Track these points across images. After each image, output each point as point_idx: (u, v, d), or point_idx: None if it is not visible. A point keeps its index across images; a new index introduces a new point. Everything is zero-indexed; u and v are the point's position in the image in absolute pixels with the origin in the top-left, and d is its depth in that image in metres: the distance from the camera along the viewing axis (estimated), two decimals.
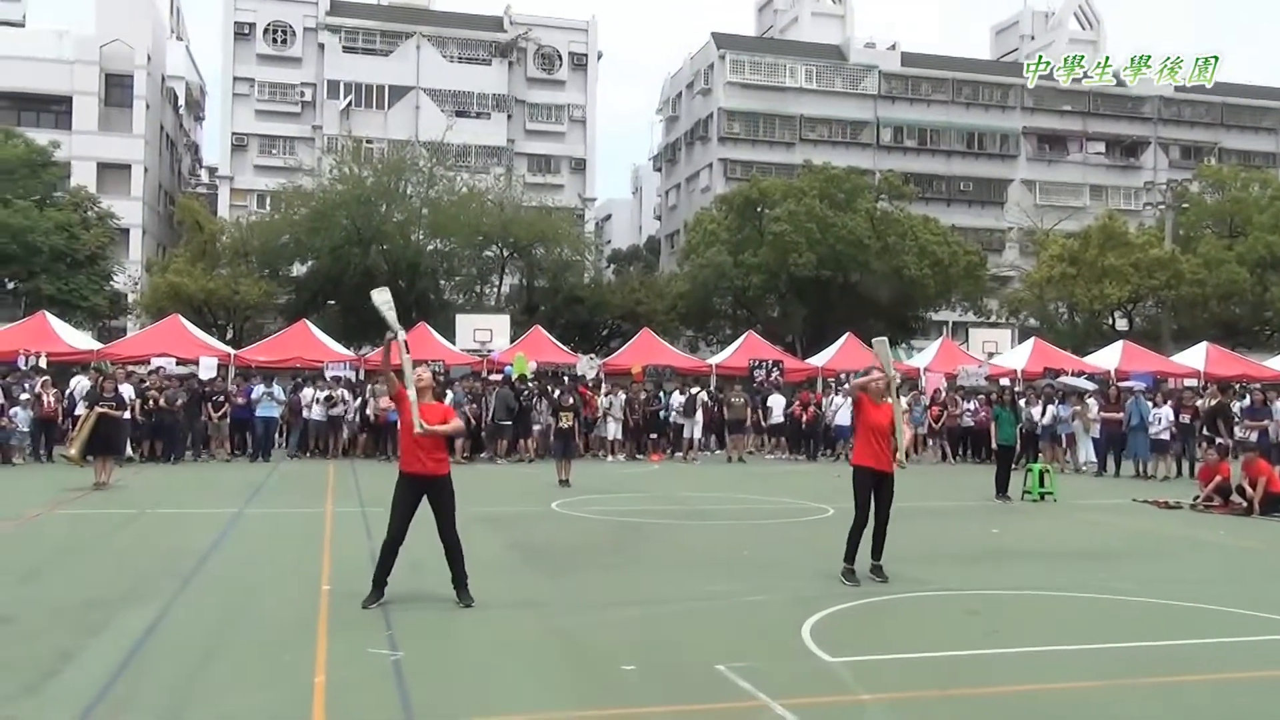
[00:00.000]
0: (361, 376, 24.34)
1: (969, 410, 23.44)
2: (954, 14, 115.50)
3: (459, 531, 7.76)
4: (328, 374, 23.40)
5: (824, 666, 6.31)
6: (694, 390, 24.03)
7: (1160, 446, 19.96)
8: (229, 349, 26.67)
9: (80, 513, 12.98)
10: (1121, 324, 40.59)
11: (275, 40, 50.69)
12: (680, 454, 23.42)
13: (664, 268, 52.48)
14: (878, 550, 8.93)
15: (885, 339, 9.86)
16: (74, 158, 42.20)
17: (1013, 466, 16.38)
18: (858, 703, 5.64)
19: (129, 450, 19.49)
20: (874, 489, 8.87)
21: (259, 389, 21.39)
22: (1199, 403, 21.29)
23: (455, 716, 5.37)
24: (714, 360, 29.70)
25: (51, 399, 20.00)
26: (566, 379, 23.98)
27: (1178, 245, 39.11)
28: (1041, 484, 16.08)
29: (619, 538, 11.62)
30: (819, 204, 36.62)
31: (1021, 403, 20.53)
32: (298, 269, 37.31)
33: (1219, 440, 17.23)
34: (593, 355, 28.06)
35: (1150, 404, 20.20)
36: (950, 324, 46.07)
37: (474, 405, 22.06)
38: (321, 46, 50.74)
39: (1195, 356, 29.93)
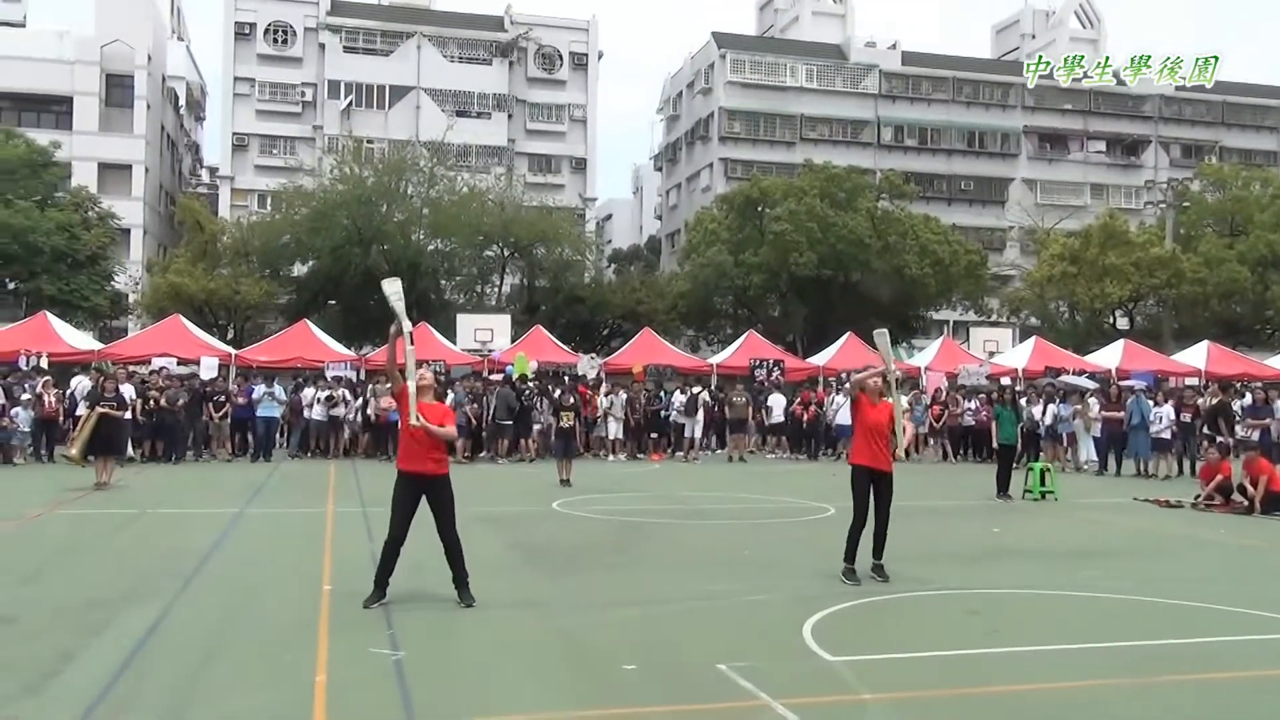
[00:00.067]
0: (362, 376, 24.38)
1: (970, 409, 23.44)
2: (954, 13, 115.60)
3: (459, 531, 7.77)
4: (329, 374, 23.40)
5: (825, 666, 6.31)
6: (695, 390, 24.01)
7: (1161, 445, 19.96)
8: (230, 349, 26.69)
9: (81, 513, 12.99)
10: (1122, 323, 40.56)
11: (276, 40, 50.68)
12: (681, 453, 23.41)
13: (665, 267, 52.46)
14: (879, 549, 8.93)
15: (886, 331, 9.81)
16: (75, 158, 42.18)
17: (1014, 466, 16.39)
18: (859, 702, 5.64)
19: (130, 450, 19.50)
20: (872, 488, 8.88)
21: (260, 389, 21.38)
22: (1200, 402, 21.29)
23: (456, 716, 5.38)
24: (715, 360, 29.72)
25: (52, 399, 20.02)
26: (567, 379, 23.98)
27: (1178, 244, 39.07)
28: (1042, 483, 16.07)
29: (620, 537, 11.62)
30: (820, 203, 36.58)
31: (1022, 402, 20.53)
32: (298, 269, 37.31)
33: (1220, 439, 17.26)
34: (593, 355, 28.03)
35: (1151, 403, 20.20)
36: (951, 323, 45.99)
37: (475, 405, 22.06)
38: (322, 46, 50.73)
39: (1196, 355, 29.95)
